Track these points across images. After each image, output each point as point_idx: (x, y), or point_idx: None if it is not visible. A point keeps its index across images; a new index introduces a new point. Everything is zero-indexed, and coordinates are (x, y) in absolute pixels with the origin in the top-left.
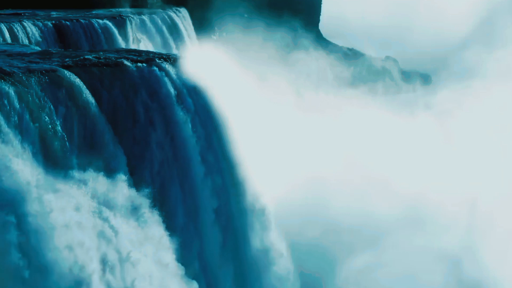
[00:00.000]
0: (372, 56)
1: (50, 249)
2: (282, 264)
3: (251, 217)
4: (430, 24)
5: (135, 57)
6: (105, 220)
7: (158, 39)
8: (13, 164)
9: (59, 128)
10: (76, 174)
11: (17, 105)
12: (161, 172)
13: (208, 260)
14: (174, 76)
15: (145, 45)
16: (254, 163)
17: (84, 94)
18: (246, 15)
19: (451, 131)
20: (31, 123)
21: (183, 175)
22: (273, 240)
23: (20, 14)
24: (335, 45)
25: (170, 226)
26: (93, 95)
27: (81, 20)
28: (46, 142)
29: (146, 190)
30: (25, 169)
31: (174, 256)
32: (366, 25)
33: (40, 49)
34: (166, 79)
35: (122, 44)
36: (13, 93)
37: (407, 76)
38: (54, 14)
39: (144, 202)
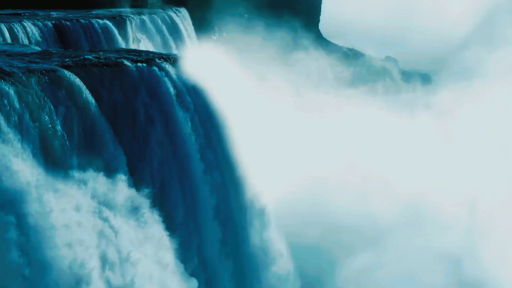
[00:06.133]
0: (372, 56)
1: (50, 248)
2: (282, 264)
3: (250, 214)
4: (430, 24)
5: (135, 57)
6: (105, 220)
7: (158, 39)
8: (13, 164)
9: (59, 128)
10: (76, 174)
11: (17, 105)
12: (161, 170)
13: (208, 256)
14: (174, 76)
15: (145, 45)
16: (254, 162)
17: (84, 94)
18: (246, 15)
19: (451, 131)
20: (31, 123)
21: (183, 172)
22: (273, 240)
23: (20, 14)
24: (335, 45)
25: (170, 226)
26: (93, 95)
27: (81, 20)
28: (46, 142)
29: (146, 190)
30: (25, 169)
31: (174, 256)
32: (366, 25)
33: (40, 49)
34: (166, 79)
35: (122, 44)
36: (13, 93)
37: (407, 76)
38: (54, 14)
39: (144, 202)
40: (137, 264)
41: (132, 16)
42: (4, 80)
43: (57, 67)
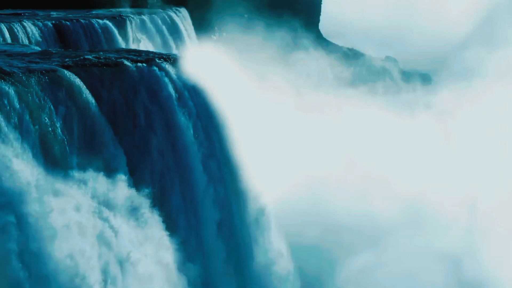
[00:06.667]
0: (372, 56)
1: (50, 249)
2: (282, 264)
3: (255, 229)
4: (430, 24)
5: (135, 57)
6: (105, 220)
7: (158, 39)
8: (13, 164)
9: (59, 128)
10: (76, 174)
11: (17, 105)
12: (161, 172)
13: (211, 271)
14: (174, 76)
15: (145, 45)
16: (254, 163)
17: (84, 94)
18: (246, 15)
19: (451, 131)
20: (31, 123)
21: (183, 171)
22: (273, 240)
23: (20, 14)
24: (335, 45)
25: (170, 226)
26: (93, 95)
27: (81, 20)
28: (46, 142)
29: (146, 190)
30: (25, 169)
31: (174, 257)
32: (366, 25)
33: (40, 49)
34: (166, 79)
35: (122, 44)
36: (13, 93)
37: (407, 76)
38: (54, 14)
39: (144, 202)
40: (137, 264)
41: (132, 16)
42: (4, 80)
43: (57, 67)
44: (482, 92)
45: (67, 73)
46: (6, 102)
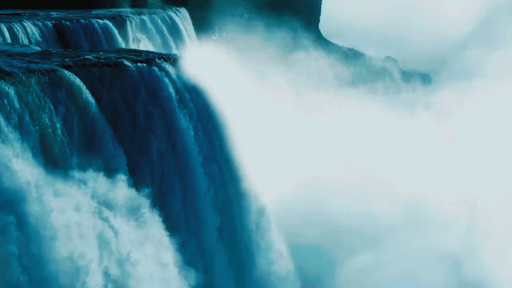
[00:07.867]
0: (372, 56)
1: (50, 249)
2: (282, 264)
3: (255, 231)
4: (430, 24)
5: (135, 57)
6: (105, 220)
7: (158, 39)
8: (13, 164)
9: (59, 128)
10: (76, 174)
11: (17, 105)
12: (163, 172)
13: (213, 275)
14: (174, 76)
15: (145, 45)
16: (255, 164)
17: (84, 94)
18: (246, 15)
19: (451, 131)
20: (31, 123)
21: (185, 181)
22: (273, 240)
23: (20, 14)
24: (335, 45)
25: (170, 226)
26: (93, 95)
27: (81, 20)
28: (46, 142)
29: (146, 190)
30: (25, 169)
31: (174, 257)
32: (366, 25)
33: (40, 49)
34: (166, 79)
35: (122, 44)
36: (13, 93)
37: (407, 76)
38: (54, 14)
39: (144, 202)
40: (137, 264)
41: (132, 16)
42: (4, 80)
43: (57, 67)
44: (482, 92)
45: (67, 73)
46: (6, 102)
